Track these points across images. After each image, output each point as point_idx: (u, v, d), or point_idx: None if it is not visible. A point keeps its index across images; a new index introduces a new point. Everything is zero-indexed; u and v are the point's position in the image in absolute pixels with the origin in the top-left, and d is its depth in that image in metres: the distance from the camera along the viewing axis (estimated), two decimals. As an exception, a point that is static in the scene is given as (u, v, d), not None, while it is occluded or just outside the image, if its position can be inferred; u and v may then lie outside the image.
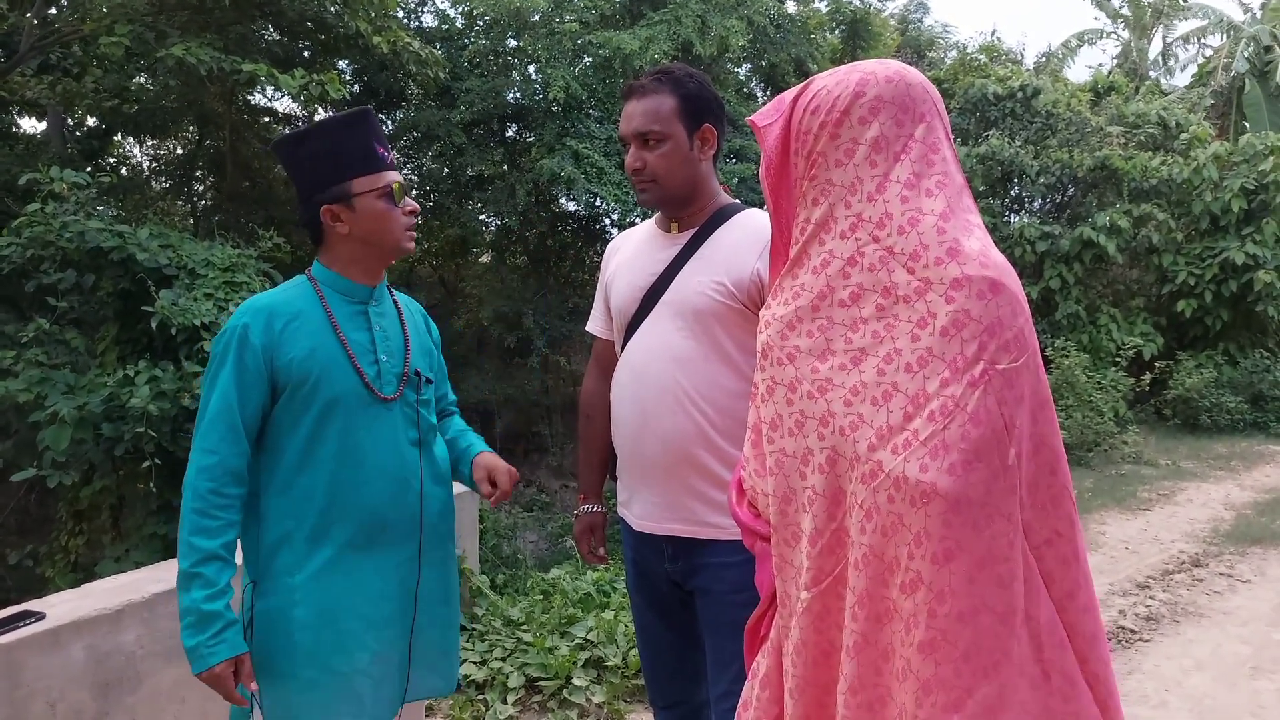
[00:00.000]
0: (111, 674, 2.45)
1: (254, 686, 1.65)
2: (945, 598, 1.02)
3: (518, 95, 11.47)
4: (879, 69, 1.22)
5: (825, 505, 1.15)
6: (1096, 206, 11.51)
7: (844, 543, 1.13)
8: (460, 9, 11.80)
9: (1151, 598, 4.73)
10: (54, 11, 9.60)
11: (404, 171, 12.34)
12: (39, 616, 2.36)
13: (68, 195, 6.56)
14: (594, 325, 2.20)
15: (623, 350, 2.02)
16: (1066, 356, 9.77)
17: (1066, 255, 11.05)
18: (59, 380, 6.26)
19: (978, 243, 1.13)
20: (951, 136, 1.24)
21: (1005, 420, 1.04)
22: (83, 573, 6.70)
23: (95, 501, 6.77)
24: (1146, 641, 4.12)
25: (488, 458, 1.99)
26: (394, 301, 1.92)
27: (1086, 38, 19.37)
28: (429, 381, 1.88)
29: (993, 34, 21.19)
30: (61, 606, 2.45)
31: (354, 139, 1.73)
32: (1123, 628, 4.27)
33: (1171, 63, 19.58)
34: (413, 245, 1.82)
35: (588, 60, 11.02)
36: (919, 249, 1.12)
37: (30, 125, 11.93)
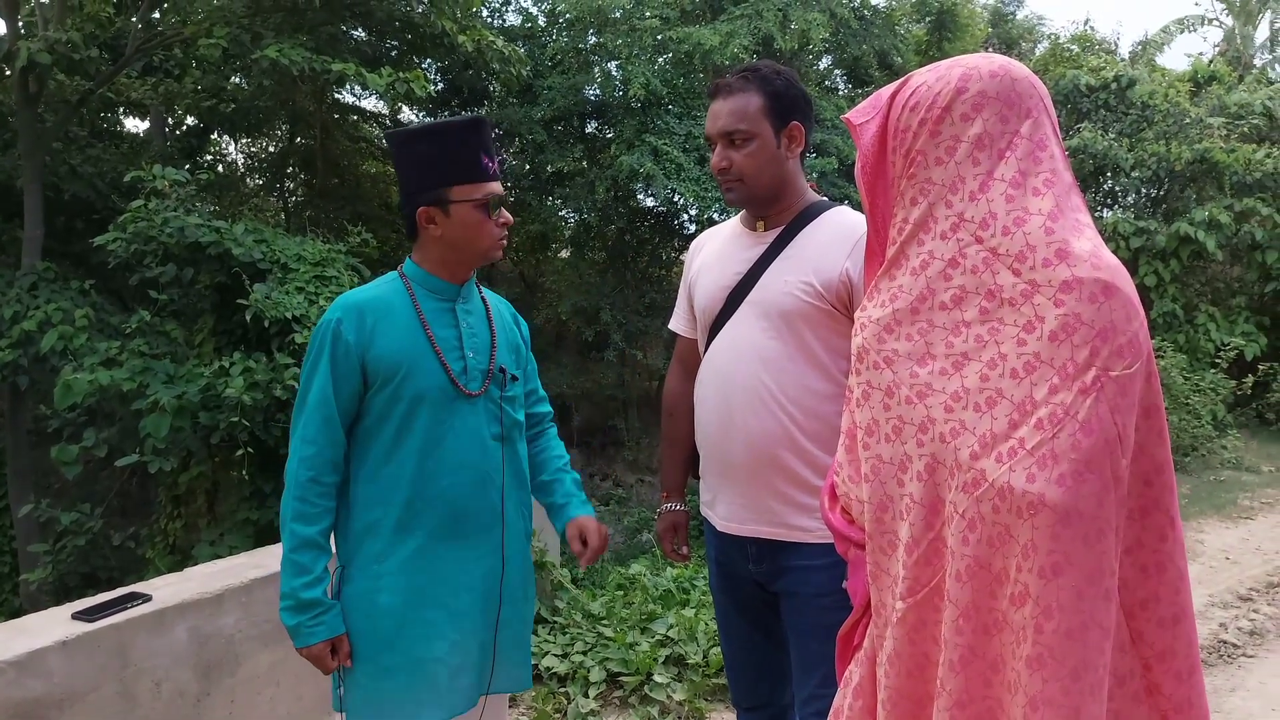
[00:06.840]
0: (212, 656, 2.55)
1: (349, 664, 1.75)
2: (1052, 613, 0.99)
3: (598, 92, 11.55)
4: (983, 64, 1.18)
5: (923, 514, 1.12)
6: (1195, 201, 11.01)
7: (941, 553, 1.10)
8: (542, 7, 11.93)
9: (1255, 611, 4.49)
10: (157, 15, 10.02)
11: (486, 168, 12.52)
12: (146, 598, 2.47)
13: (169, 192, 6.83)
14: (676, 324, 2.18)
15: (706, 350, 2.00)
16: (1162, 357, 9.37)
17: (1162, 252, 10.60)
18: (160, 370, 6.53)
19: (1088, 244, 1.08)
20: (1060, 134, 1.20)
21: (1119, 429, 1.00)
22: (180, 555, 7.00)
23: (192, 487, 7.06)
24: (1251, 657, 3.92)
25: (582, 520, 1.98)
26: (482, 299, 1.95)
27: (1187, 24, 18.48)
28: (514, 379, 1.91)
29: (1085, 23, 20.45)
30: (165, 589, 2.55)
31: (463, 147, 1.78)
32: (1224, 642, 4.08)
33: (1279, 50, 18.54)
34: (500, 254, 1.87)
35: (668, 56, 11.00)
36: (1025, 250, 1.09)
37: (134, 125, 12.51)
